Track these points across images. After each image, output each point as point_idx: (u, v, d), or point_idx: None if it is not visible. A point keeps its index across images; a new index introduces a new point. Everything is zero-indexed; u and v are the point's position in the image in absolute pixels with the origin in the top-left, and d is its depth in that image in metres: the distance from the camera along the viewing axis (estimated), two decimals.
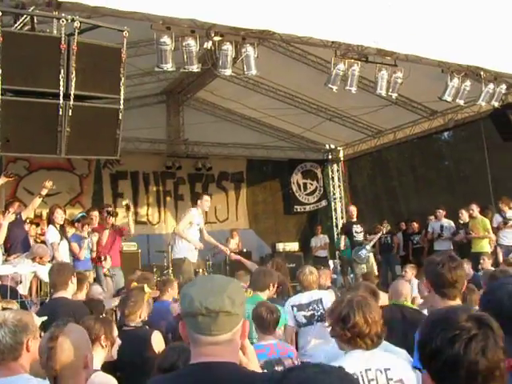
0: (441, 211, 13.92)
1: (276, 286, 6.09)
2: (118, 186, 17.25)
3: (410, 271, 10.29)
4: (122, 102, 7.41)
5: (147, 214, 17.67)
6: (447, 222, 13.81)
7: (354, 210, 14.25)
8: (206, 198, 11.65)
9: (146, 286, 6.11)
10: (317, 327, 6.09)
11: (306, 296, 6.34)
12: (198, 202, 11.48)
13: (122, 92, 7.35)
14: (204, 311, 2.01)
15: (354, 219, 14.05)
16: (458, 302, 3.50)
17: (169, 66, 8.97)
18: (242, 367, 2.19)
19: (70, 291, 5.56)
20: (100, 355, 3.84)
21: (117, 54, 7.24)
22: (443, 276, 3.52)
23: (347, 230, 14.22)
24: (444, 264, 3.55)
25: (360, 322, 3.05)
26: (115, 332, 4.18)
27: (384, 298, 5.88)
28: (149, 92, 16.11)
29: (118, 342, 4.12)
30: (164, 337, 5.17)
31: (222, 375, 2.04)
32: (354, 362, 2.98)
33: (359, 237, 13.76)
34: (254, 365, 2.20)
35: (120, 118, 7.49)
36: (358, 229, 13.76)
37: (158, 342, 4.85)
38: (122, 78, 7.30)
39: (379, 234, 13.92)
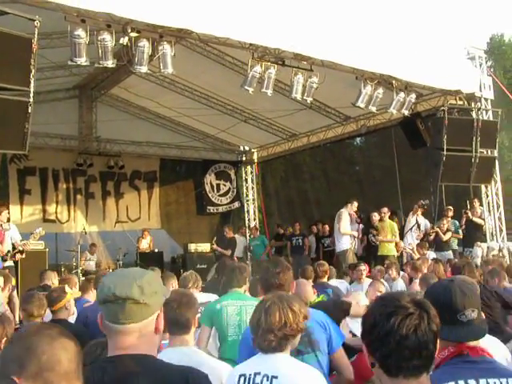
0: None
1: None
2: (25, 182, 16.63)
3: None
4: (31, 94, 7.15)
5: (56, 212, 17.13)
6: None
7: None
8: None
9: (66, 286, 5.92)
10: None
11: None
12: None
13: (32, 84, 7.10)
14: (112, 297, 2.00)
15: None
16: None
17: (83, 61, 8.70)
18: (158, 360, 2.16)
19: None
20: None
21: (27, 45, 6.98)
22: (268, 281, 3.91)
23: None
24: (268, 270, 3.92)
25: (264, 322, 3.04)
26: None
27: None
28: (61, 86, 15.62)
29: None
30: None
31: (134, 369, 2.01)
32: (246, 363, 3.03)
33: None
34: None
35: (29, 111, 7.23)
36: None
37: None
38: (33, 70, 7.04)
39: None
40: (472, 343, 2.37)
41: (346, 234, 12.69)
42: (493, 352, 2.58)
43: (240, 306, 5.23)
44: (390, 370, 1.85)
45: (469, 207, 13.77)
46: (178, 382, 2.06)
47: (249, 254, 17.52)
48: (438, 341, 1.89)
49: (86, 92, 16.74)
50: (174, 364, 2.22)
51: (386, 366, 1.86)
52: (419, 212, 13.46)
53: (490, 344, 3.12)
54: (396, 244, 12.95)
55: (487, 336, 3.07)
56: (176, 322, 3.37)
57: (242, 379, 2.85)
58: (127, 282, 2.03)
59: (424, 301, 1.92)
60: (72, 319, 5.85)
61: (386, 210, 13.16)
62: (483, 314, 2.53)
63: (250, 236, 18.40)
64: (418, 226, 13.25)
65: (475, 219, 13.54)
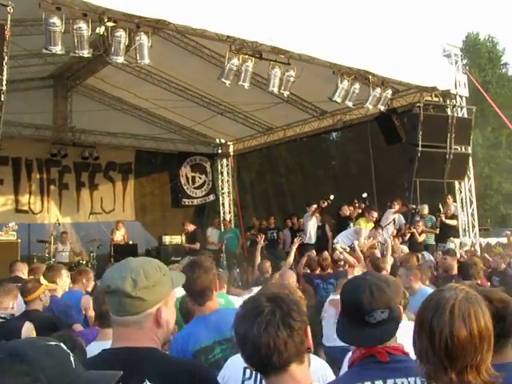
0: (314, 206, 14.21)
1: None
2: None
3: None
4: (4, 82, 7.05)
5: (29, 203, 16.93)
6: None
7: None
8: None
9: (42, 277, 5.84)
10: None
11: None
12: None
13: (6, 72, 6.99)
14: (106, 289, 1.99)
15: None
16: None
17: (58, 49, 8.58)
18: (161, 352, 2.14)
19: None
20: None
21: (0, 31, 6.86)
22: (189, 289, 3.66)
23: None
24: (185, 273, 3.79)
25: None
26: None
27: None
28: (35, 75, 15.37)
29: None
30: None
31: (136, 361, 1.98)
32: None
33: None
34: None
35: (2, 99, 7.13)
36: None
37: (28, 334, 4.61)
38: (6, 57, 6.96)
39: None
40: (382, 346, 2.29)
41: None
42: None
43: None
44: (259, 371, 1.88)
45: (442, 209, 13.88)
46: (185, 377, 2.02)
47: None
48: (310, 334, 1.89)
49: (61, 81, 16.51)
50: (181, 358, 2.19)
51: (254, 367, 1.89)
52: (394, 207, 13.53)
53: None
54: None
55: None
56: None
57: (248, 372, 2.78)
58: (123, 274, 1.99)
59: (279, 296, 1.89)
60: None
61: (375, 214, 13.15)
62: (401, 311, 2.43)
63: (223, 229, 18.36)
64: (393, 221, 13.33)
65: (448, 221, 13.68)
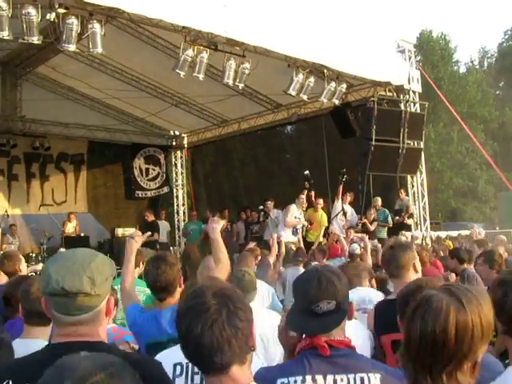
0: (269, 202, 14.23)
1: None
2: None
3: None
4: None
5: None
6: (277, 212, 14.18)
7: None
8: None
9: None
10: None
11: None
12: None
13: None
14: (61, 291, 1.90)
15: None
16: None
17: (5, 34, 8.32)
18: (109, 347, 2.09)
19: None
20: None
21: None
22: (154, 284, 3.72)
23: None
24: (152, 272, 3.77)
25: None
26: None
27: None
28: None
29: None
30: None
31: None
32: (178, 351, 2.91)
33: None
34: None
35: None
36: None
37: None
38: None
39: None
40: (326, 337, 2.31)
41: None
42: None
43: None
44: (200, 369, 1.85)
45: (403, 211, 14.03)
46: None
47: (184, 238, 17.49)
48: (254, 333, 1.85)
49: (9, 69, 16.00)
50: (128, 352, 2.13)
51: (196, 364, 1.86)
52: (347, 199, 13.63)
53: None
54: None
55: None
56: None
57: (179, 368, 2.75)
58: (76, 273, 1.92)
59: (227, 294, 1.82)
60: None
61: (321, 201, 13.28)
62: (352, 306, 2.47)
63: (187, 220, 18.29)
64: (344, 214, 13.38)
65: (409, 222, 13.87)
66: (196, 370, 2.68)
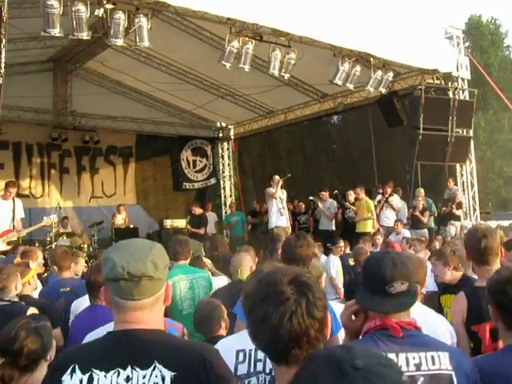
0: (323, 193, 14.20)
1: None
2: None
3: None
4: (2, 65, 7.01)
5: (29, 187, 16.92)
6: (330, 203, 14.14)
7: None
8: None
9: (30, 261, 5.82)
10: None
11: None
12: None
13: (4, 55, 6.95)
14: (126, 276, 1.97)
15: None
16: None
17: (56, 32, 8.53)
18: (169, 335, 2.17)
19: None
20: None
21: None
22: (291, 251, 3.92)
23: None
24: (290, 242, 3.99)
25: None
26: None
27: None
28: (34, 59, 15.30)
29: None
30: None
31: (145, 343, 1.99)
32: (241, 338, 2.83)
33: None
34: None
35: (1, 82, 7.08)
36: None
37: None
38: (3, 40, 6.90)
39: None
40: (396, 319, 2.35)
41: None
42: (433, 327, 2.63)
43: (191, 280, 5.50)
44: (272, 359, 1.79)
45: (450, 200, 13.77)
46: (195, 361, 1.99)
47: (225, 230, 17.55)
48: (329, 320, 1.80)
49: (60, 65, 16.43)
50: (190, 341, 2.18)
51: (268, 354, 1.79)
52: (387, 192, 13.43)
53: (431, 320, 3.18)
54: (373, 221, 12.99)
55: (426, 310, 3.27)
56: None
57: (242, 355, 2.74)
58: (139, 258, 2.01)
59: (304, 282, 1.75)
60: (35, 294, 5.78)
61: (359, 189, 13.17)
62: (419, 287, 2.50)
63: (229, 212, 18.34)
64: (391, 206, 13.23)
65: (457, 212, 13.61)
66: (259, 356, 2.72)
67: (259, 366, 2.72)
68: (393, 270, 2.37)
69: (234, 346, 2.78)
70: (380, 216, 13.19)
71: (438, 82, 13.63)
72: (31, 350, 2.97)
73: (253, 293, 1.78)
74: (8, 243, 9.72)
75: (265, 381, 2.69)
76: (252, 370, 2.71)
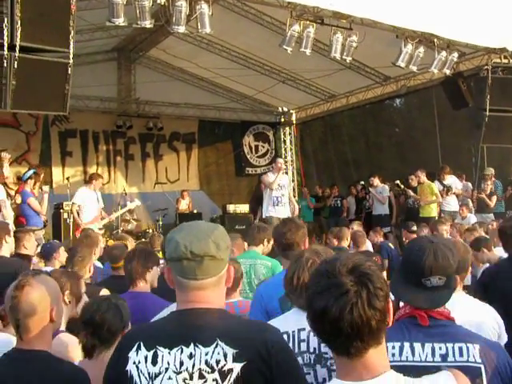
0: (372, 178, 14.01)
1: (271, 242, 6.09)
2: (66, 145, 16.91)
3: (356, 227, 10.34)
4: (71, 56, 7.20)
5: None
6: (382, 187, 13.93)
7: None
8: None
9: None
10: None
11: None
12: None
13: (72, 46, 7.14)
14: (189, 255, 2.03)
15: None
16: None
17: (120, 21, 8.71)
18: (230, 314, 2.22)
19: (4, 250, 5.36)
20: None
21: (66, 6, 7.00)
22: (281, 238, 4.01)
23: None
24: (278, 229, 4.10)
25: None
26: (82, 288, 4.02)
27: None
28: (99, 48, 15.71)
29: (85, 298, 3.87)
30: None
31: (207, 321, 2.05)
32: (285, 320, 2.93)
33: None
34: None
35: (69, 72, 7.28)
36: None
37: None
38: (72, 32, 7.08)
39: None
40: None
41: None
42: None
43: (249, 265, 5.44)
44: (333, 350, 1.74)
45: None
46: (257, 341, 2.03)
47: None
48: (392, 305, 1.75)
49: (124, 54, 16.81)
50: (251, 320, 2.22)
51: (329, 346, 1.74)
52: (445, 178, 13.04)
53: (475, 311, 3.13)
54: (438, 204, 12.65)
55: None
56: None
57: (286, 337, 2.74)
58: (202, 238, 2.07)
59: (364, 271, 1.69)
60: None
61: (419, 172, 12.79)
62: (458, 283, 2.44)
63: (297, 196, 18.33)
64: (449, 188, 12.80)
65: None
66: (302, 337, 2.77)
67: (303, 346, 2.77)
68: (432, 263, 2.31)
69: (278, 327, 2.82)
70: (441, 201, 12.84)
71: (506, 61, 13.17)
72: (111, 322, 3.14)
73: (312, 283, 1.76)
74: (100, 228, 10.70)
75: (310, 359, 2.74)
76: (297, 350, 2.75)
